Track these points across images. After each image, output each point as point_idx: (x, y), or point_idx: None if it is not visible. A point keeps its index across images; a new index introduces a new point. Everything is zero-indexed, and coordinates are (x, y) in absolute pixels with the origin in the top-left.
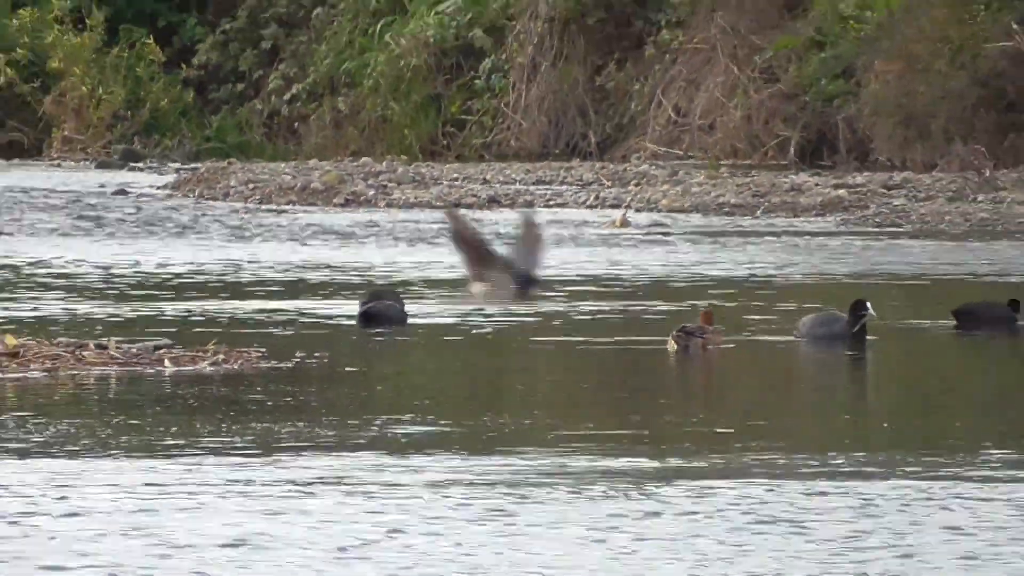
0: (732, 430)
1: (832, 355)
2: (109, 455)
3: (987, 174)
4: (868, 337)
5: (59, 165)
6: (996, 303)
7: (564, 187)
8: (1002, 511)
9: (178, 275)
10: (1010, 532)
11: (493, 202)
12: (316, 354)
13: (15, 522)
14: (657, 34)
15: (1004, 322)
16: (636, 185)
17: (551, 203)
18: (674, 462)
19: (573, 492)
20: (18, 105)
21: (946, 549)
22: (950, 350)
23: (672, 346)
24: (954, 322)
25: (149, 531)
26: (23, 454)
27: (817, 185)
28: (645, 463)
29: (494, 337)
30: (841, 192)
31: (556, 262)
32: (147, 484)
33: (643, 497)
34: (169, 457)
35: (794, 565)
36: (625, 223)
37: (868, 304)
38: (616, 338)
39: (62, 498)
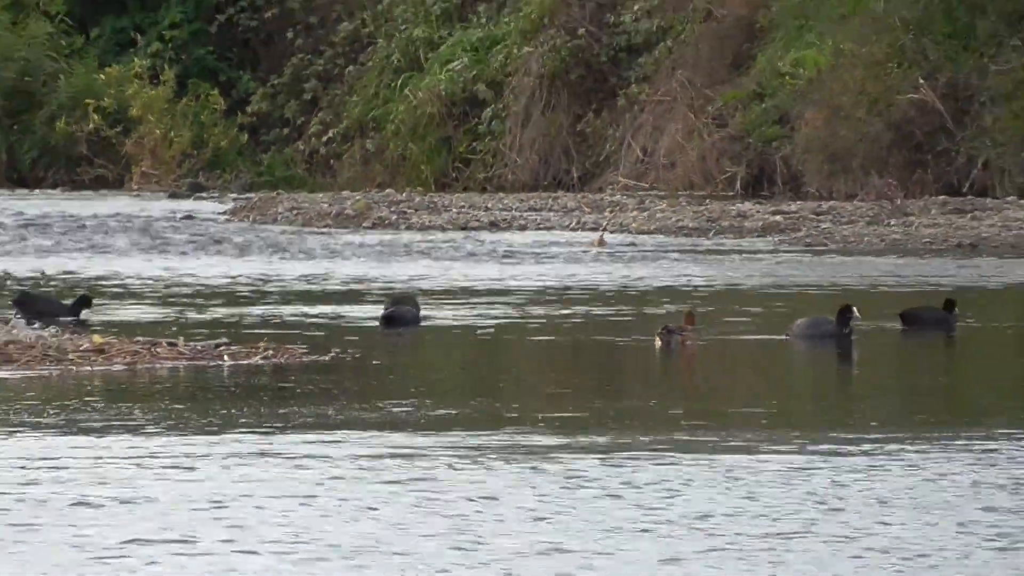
0: (680, 411)
1: (797, 351)
2: (183, 432)
3: (898, 202)
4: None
5: (138, 195)
6: (934, 307)
7: (551, 213)
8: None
9: (234, 285)
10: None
11: (493, 225)
12: (348, 350)
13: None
14: (627, 88)
15: (944, 322)
16: (610, 212)
17: (541, 226)
18: (607, 440)
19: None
20: (104, 146)
21: (819, 514)
22: (898, 346)
23: (658, 342)
24: (900, 324)
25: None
26: (114, 431)
27: (758, 212)
28: (596, 440)
29: (495, 336)
30: (778, 217)
31: (549, 274)
32: (206, 455)
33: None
34: (225, 432)
35: (690, 527)
36: (602, 243)
37: (854, 308)
38: (598, 337)
39: (160, 465)
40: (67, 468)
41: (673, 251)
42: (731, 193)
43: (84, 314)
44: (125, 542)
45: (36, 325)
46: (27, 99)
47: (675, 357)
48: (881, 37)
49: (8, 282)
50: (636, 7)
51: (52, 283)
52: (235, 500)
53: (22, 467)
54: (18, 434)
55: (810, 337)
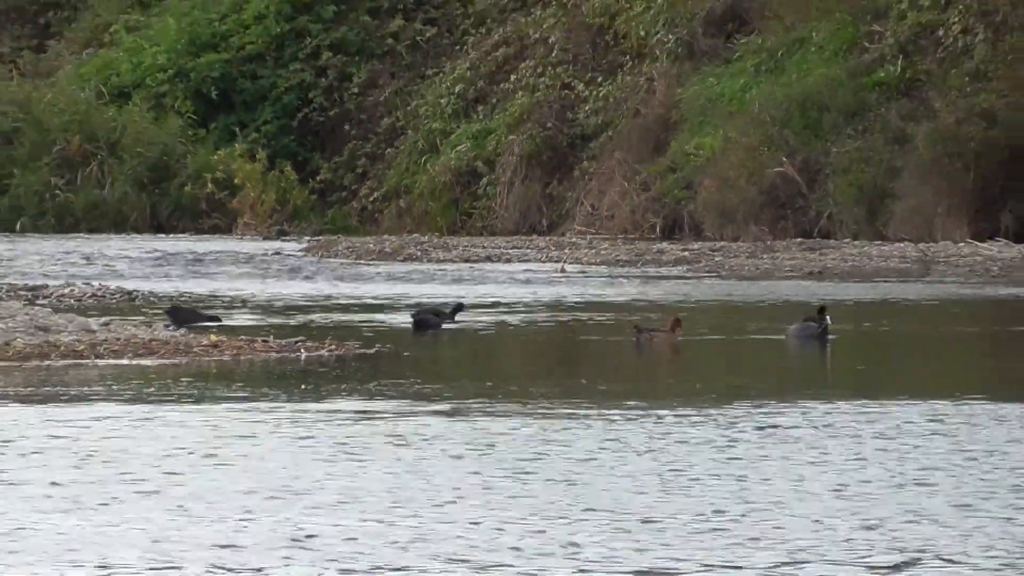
0: (605, 388)
1: (788, 348)
2: (276, 400)
3: (768, 243)
4: (829, 336)
5: (241, 238)
6: (812, 316)
7: (528, 250)
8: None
9: (307, 300)
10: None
11: (488, 259)
12: (387, 345)
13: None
14: (581, 164)
15: (815, 324)
16: (569, 250)
17: (521, 259)
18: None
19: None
20: (217, 204)
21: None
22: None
23: (663, 336)
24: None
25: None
26: (227, 401)
27: (672, 249)
28: (549, 409)
29: (494, 335)
30: (685, 253)
31: (529, 292)
32: (295, 423)
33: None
34: (304, 401)
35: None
36: (564, 271)
37: (827, 314)
38: (563, 337)
39: (274, 424)
40: (191, 427)
41: (613, 277)
42: (653, 236)
43: (459, 317)
44: (247, 492)
45: (181, 330)
46: (165, 171)
47: (644, 352)
48: (756, 129)
49: (152, 299)
50: (587, 107)
51: (182, 298)
52: (333, 446)
53: (162, 428)
54: (155, 404)
55: (800, 337)
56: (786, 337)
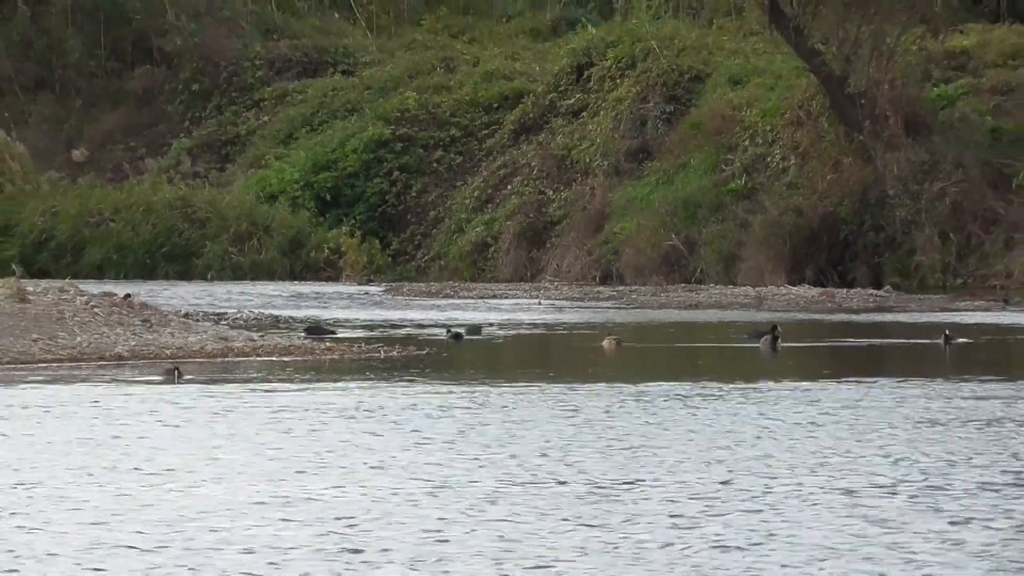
0: (571, 378)
1: (760, 353)
2: (366, 383)
3: (664, 286)
4: (779, 344)
5: (345, 284)
6: (767, 331)
7: (519, 292)
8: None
9: (384, 322)
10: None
11: (494, 297)
12: (433, 350)
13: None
14: (551, 239)
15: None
16: (543, 291)
17: (514, 297)
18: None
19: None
20: (330, 263)
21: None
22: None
23: (606, 344)
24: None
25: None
26: (344, 381)
27: (605, 291)
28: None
29: (504, 343)
30: (614, 292)
31: (517, 318)
32: (369, 406)
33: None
34: (378, 387)
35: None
36: (540, 304)
37: (778, 327)
38: (547, 343)
39: (364, 409)
40: (309, 409)
41: (573, 307)
42: (596, 283)
43: (472, 332)
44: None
45: (309, 340)
46: (298, 244)
47: (615, 353)
48: (657, 218)
49: (290, 321)
50: (554, 205)
51: (312, 320)
52: (404, 408)
53: (287, 404)
54: (282, 387)
55: (764, 345)
56: (761, 346)
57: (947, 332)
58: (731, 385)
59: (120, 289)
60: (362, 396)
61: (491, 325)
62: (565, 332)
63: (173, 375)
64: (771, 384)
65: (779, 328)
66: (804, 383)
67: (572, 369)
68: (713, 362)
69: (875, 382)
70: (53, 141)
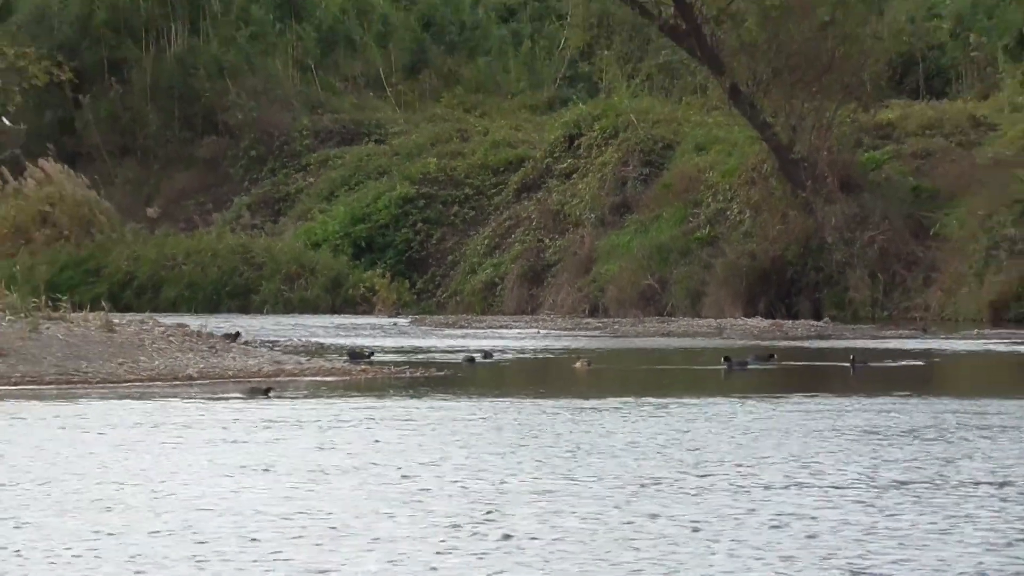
0: (544, 388)
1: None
2: (394, 397)
3: (641, 318)
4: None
5: (378, 317)
6: (764, 355)
7: (521, 324)
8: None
9: (410, 347)
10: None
11: (501, 327)
12: (451, 371)
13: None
14: (547, 279)
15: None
16: (541, 323)
17: (517, 328)
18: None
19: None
20: (364, 299)
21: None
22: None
23: (578, 365)
24: (725, 365)
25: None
26: (372, 397)
27: (593, 323)
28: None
29: (510, 366)
30: (600, 324)
31: (520, 344)
32: (402, 419)
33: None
34: (409, 398)
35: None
36: (539, 333)
37: (774, 356)
38: (542, 363)
39: (392, 417)
40: (351, 423)
41: (567, 335)
42: (584, 316)
43: (482, 358)
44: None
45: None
46: (338, 283)
47: (587, 374)
48: (635, 262)
49: (332, 348)
50: (550, 251)
51: (349, 347)
52: (429, 420)
53: (336, 416)
54: (325, 400)
55: (747, 368)
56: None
57: (853, 356)
58: (669, 399)
59: (191, 320)
60: (420, 406)
61: (489, 357)
62: (554, 356)
63: (259, 393)
64: (694, 400)
65: (775, 356)
66: (722, 399)
67: (546, 387)
68: (668, 381)
69: (789, 398)
70: (135, 199)
